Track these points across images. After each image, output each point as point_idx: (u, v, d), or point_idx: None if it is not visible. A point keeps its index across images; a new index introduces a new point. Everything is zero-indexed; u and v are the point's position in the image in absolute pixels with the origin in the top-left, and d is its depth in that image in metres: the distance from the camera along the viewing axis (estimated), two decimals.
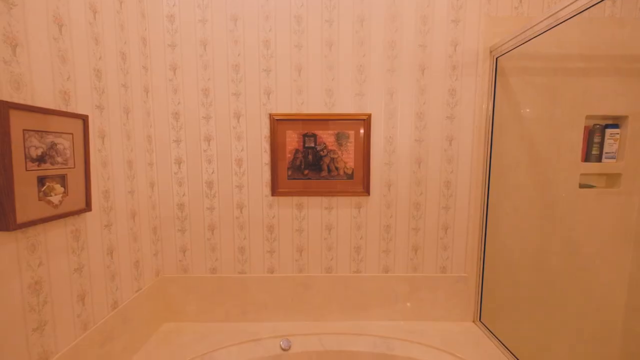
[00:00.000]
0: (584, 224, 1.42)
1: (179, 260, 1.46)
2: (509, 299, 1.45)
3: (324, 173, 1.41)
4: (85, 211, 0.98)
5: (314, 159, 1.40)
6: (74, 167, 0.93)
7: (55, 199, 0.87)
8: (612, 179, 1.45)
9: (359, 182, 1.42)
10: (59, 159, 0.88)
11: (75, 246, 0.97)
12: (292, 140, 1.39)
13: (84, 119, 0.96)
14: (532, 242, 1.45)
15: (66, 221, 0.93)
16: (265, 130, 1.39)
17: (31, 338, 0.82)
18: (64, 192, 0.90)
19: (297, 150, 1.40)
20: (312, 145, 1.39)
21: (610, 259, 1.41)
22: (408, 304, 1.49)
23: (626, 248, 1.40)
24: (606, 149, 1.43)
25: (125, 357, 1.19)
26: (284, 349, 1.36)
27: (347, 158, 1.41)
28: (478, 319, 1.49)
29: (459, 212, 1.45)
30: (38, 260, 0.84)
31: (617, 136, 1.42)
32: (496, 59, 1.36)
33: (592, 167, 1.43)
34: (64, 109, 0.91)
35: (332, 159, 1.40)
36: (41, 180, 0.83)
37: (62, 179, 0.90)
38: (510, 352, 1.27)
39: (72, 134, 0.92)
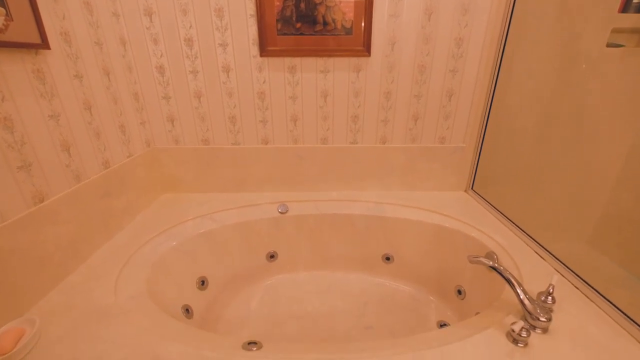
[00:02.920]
0: (599, 90, 1.31)
1: (168, 130, 1.40)
2: (505, 169, 1.45)
3: (319, 27, 1.22)
4: (42, 48, 0.85)
5: (306, 7, 1.19)
6: None
7: None
8: None
9: (358, 38, 1.24)
10: None
11: (42, 90, 0.88)
12: None
13: None
14: (540, 109, 1.36)
15: (23, 57, 0.82)
16: None
17: (18, 175, 0.81)
18: (7, 15, 0.76)
19: None
20: None
21: (617, 128, 1.34)
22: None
23: (636, 116, 1.33)
24: None
25: (128, 217, 1.24)
26: (281, 213, 1.42)
27: (346, 7, 1.20)
28: (470, 188, 1.53)
29: (467, 75, 1.32)
30: (0, 95, 0.77)
31: None
32: None
33: (629, 19, 1.22)
34: None
35: (328, 8, 1.20)
36: None
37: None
38: (498, 210, 1.32)
39: None
